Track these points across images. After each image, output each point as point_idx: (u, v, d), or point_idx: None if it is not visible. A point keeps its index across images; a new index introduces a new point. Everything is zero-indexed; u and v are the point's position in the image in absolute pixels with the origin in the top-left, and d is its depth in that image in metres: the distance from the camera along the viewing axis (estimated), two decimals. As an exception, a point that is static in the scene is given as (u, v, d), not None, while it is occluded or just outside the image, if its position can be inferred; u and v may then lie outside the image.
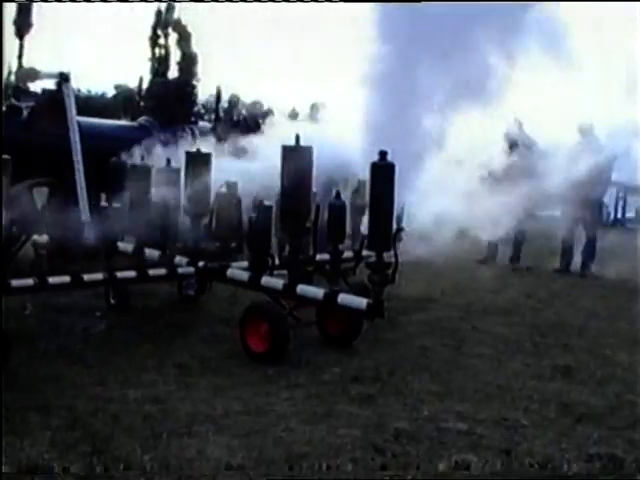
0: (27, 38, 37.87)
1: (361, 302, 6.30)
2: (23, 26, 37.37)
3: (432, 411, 5.45)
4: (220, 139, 9.10)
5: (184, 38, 38.46)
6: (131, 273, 7.28)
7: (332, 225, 6.78)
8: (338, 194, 6.92)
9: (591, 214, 11.56)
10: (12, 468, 4.26)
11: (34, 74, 11.00)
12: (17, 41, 37.23)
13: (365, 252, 6.60)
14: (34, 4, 35.80)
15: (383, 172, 6.17)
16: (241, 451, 4.63)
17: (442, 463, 4.58)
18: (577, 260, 11.82)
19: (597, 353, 7.18)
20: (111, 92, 34.91)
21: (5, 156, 6.99)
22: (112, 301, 7.97)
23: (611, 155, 11.04)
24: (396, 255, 6.17)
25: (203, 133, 10.72)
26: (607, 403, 5.78)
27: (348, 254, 6.99)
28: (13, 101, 10.44)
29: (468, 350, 7.10)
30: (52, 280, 6.71)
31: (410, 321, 8.04)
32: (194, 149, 7.77)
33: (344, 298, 6.45)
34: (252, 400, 5.51)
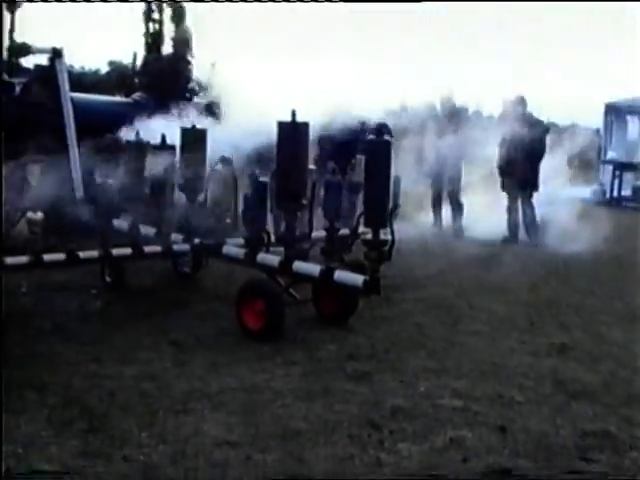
0: (18, 13, 37.53)
1: (357, 279, 6.30)
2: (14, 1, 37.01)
3: (428, 388, 5.46)
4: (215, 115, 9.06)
5: (178, 14, 38.18)
6: (126, 250, 7.26)
7: (328, 202, 6.77)
8: (334, 171, 6.89)
9: (524, 184, 11.81)
10: (10, 447, 4.26)
11: (26, 49, 10.92)
12: (8, 16, 36.91)
13: (361, 229, 6.59)
14: (26, -22, 35.40)
15: (379, 148, 6.16)
16: (237, 428, 4.64)
17: (438, 439, 4.60)
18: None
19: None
20: (105, 68, 34.68)
21: (-2, 133, 6.97)
22: (107, 279, 7.96)
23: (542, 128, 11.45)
24: (392, 232, 6.16)
25: (198, 109, 10.66)
26: (602, 380, 5.80)
27: (344, 231, 6.97)
28: (5, 77, 10.37)
29: (464, 327, 7.11)
30: (47, 257, 6.69)
31: (406, 298, 8.04)
32: (189, 125, 7.72)
33: (340, 275, 6.44)
34: (248, 377, 5.51)
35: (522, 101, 11.95)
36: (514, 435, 4.72)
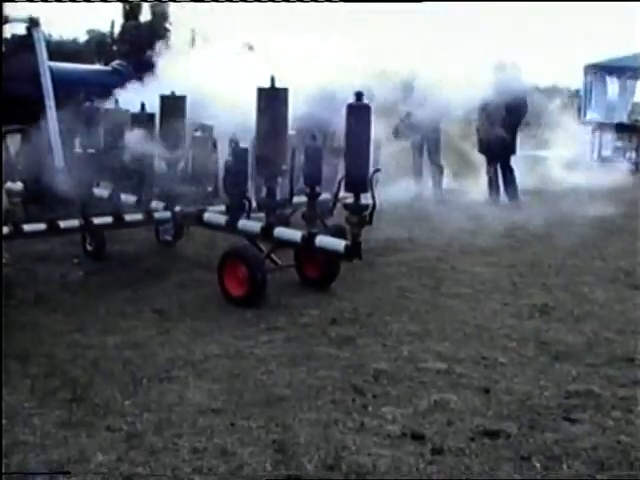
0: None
1: (339, 244, 6.30)
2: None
3: (411, 351, 5.48)
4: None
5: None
6: (107, 219, 7.24)
7: (308, 167, 6.74)
8: (314, 136, 6.86)
9: (499, 145, 11.84)
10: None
11: (3, 19, 10.77)
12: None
13: (342, 194, 6.57)
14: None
15: (359, 113, 6.13)
16: (221, 395, 4.64)
17: (422, 402, 4.62)
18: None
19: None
20: (83, 37, 34.36)
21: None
22: (89, 247, 7.92)
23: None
24: (373, 197, 6.15)
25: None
26: (584, 340, 5.82)
27: (325, 196, 6.95)
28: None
29: (446, 290, 7.12)
30: (27, 228, 6.67)
31: (388, 262, 8.05)
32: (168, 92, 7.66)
33: (322, 240, 6.43)
34: (231, 344, 5.51)
35: (501, 66, 11.92)
36: (498, 397, 4.73)
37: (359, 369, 5.11)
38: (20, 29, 10.12)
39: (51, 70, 9.71)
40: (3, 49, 10.12)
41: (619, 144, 19.01)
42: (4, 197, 7.49)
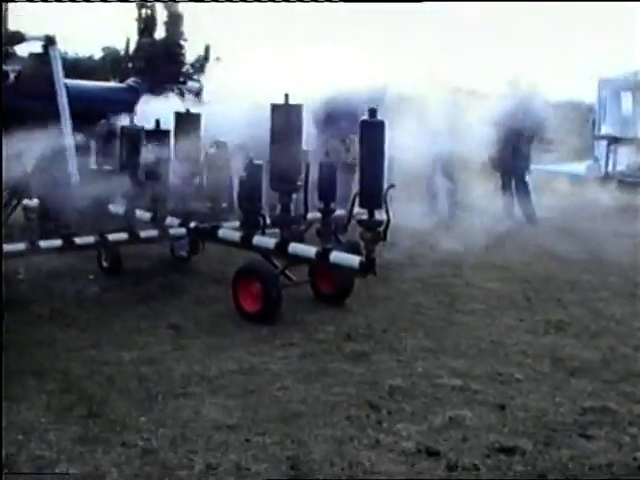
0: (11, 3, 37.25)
1: (353, 260, 6.30)
2: (7, -12, 36.80)
3: (426, 367, 5.47)
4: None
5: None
6: (123, 235, 7.28)
7: (323, 183, 6.76)
8: (327, 153, 6.88)
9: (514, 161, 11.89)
10: (11, 434, 4.27)
11: (20, 37, 10.87)
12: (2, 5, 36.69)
13: (357, 210, 6.58)
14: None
15: (373, 129, 6.14)
16: (237, 411, 4.65)
17: (437, 419, 4.61)
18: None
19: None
20: (99, 54, 34.53)
21: (-8, 120, 6.94)
22: (104, 264, 7.95)
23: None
24: (387, 213, 6.15)
25: (192, 93, 10.63)
26: (600, 356, 5.81)
27: (340, 212, 6.96)
28: (-1, 66, 10.32)
29: (461, 306, 7.11)
30: (44, 244, 6.71)
31: (402, 278, 8.05)
32: (183, 109, 7.70)
33: (336, 256, 6.44)
34: (246, 360, 5.52)
35: (517, 81, 11.90)
36: (513, 413, 4.73)
37: (374, 385, 5.11)
38: (37, 47, 10.22)
39: (67, 87, 9.79)
40: (19, 67, 10.22)
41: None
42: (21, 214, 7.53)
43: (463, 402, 4.88)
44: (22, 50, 10.87)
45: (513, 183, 12.10)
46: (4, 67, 10.22)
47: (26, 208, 8.40)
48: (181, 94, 10.53)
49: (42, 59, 9.91)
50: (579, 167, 17.80)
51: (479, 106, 8.42)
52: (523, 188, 12.05)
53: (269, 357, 5.60)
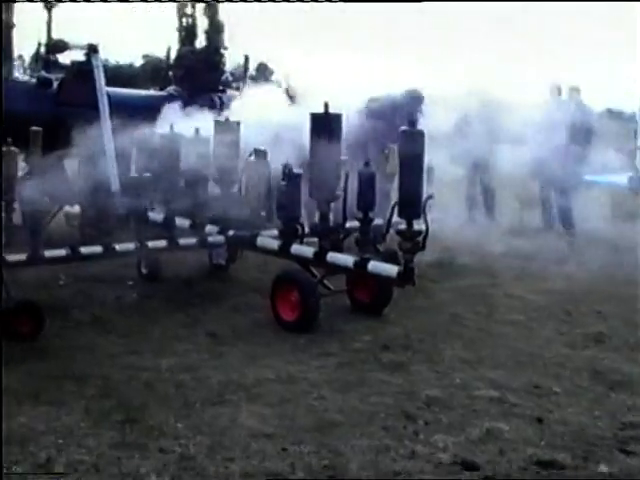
0: (55, 10, 37.71)
1: (392, 269, 6.29)
2: (51, -2, 37.26)
3: (464, 378, 5.45)
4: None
5: (211, 6, 38.27)
6: (162, 242, 7.33)
7: (362, 192, 6.76)
8: (367, 162, 6.89)
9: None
10: (51, 438, 4.32)
11: (63, 46, 11.03)
12: (46, 13, 37.17)
13: (395, 219, 6.58)
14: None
15: (413, 139, 6.14)
16: (273, 419, 4.66)
17: (474, 431, 4.58)
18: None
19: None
20: (139, 62, 34.88)
21: (36, 128, 7.04)
22: (143, 270, 8.02)
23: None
24: (426, 222, 6.14)
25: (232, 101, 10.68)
26: (641, 370, 5.74)
27: (378, 221, 6.96)
28: (43, 73, 10.48)
29: (500, 317, 7.07)
30: (84, 250, 6.77)
31: (441, 288, 8.02)
32: (223, 118, 7.75)
33: (375, 265, 6.43)
34: (284, 368, 5.53)
35: (574, 90, 11.73)
36: (551, 427, 4.69)
37: (411, 396, 5.10)
38: (79, 56, 10.35)
39: (108, 95, 9.90)
40: (62, 75, 10.35)
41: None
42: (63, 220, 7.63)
43: (500, 414, 4.84)
44: (64, 57, 11.02)
45: (553, 192, 11.96)
46: (47, 75, 10.38)
47: (68, 215, 8.52)
48: (221, 103, 10.62)
49: (84, 67, 10.04)
50: (620, 178, 17.56)
51: (522, 113, 8.34)
52: (564, 197, 11.91)
53: (306, 366, 5.61)
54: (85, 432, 4.43)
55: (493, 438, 4.50)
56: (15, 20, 10.06)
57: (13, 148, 6.42)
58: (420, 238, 6.17)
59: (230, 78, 13.17)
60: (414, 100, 8.96)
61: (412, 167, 6.15)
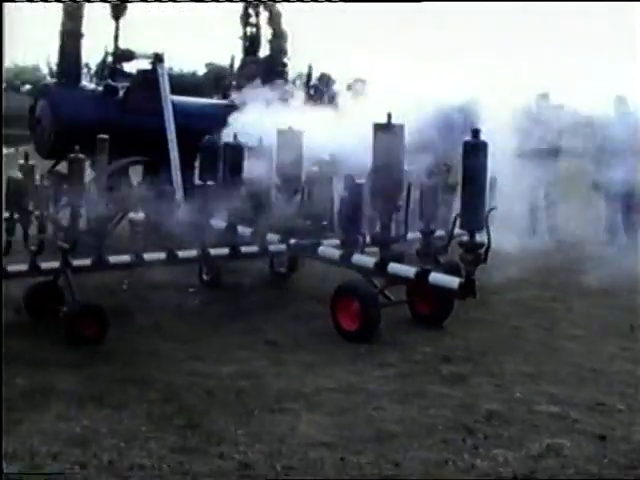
0: (122, 19, 38.39)
1: (453, 281, 6.26)
2: (119, 8, 37.96)
3: (524, 393, 5.39)
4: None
5: (275, 16, 38.58)
6: (224, 250, 7.40)
7: (424, 204, 6.74)
8: (430, 173, 6.87)
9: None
10: (113, 441, 4.39)
11: (130, 55, 11.23)
12: (113, 23, 37.88)
13: (457, 231, 6.55)
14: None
15: (476, 150, 6.11)
16: (332, 429, 4.66)
17: (534, 446, 4.53)
18: None
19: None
20: (202, 70, 35.33)
21: (102, 135, 7.17)
22: (205, 277, 8.10)
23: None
24: (489, 235, 6.09)
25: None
26: None
27: (440, 233, 6.93)
28: (109, 82, 10.67)
29: (562, 332, 6.98)
30: (148, 256, 6.87)
31: (502, 300, 7.95)
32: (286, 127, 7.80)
33: (435, 277, 6.41)
34: (343, 378, 5.54)
35: (622, 100, 11.59)
36: (615, 444, 4.61)
37: (470, 409, 5.06)
38: (145, 64, 10.52)
39: (173, 104, 10.04)
40: (128, 84, 10.53)
41: None
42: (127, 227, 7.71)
43: (562, 430, 4.78)
44: (130, 66, 11.22)
45: (619, 205, 11.74)
46: (114, 84, 10.56)
47: (132, 221, 8.63)
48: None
49: (150, 76, 10.20)
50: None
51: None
52: (630, 210, 11.69)
53: (366, 376, 5.61)
54: (147, 435, 4.49)
55: (554, 454, 4.45)
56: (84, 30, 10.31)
57: (80, 155, 6.53)
58: (482, 250, 6.14)
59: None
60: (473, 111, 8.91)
61: (475, 178, 6.12)
